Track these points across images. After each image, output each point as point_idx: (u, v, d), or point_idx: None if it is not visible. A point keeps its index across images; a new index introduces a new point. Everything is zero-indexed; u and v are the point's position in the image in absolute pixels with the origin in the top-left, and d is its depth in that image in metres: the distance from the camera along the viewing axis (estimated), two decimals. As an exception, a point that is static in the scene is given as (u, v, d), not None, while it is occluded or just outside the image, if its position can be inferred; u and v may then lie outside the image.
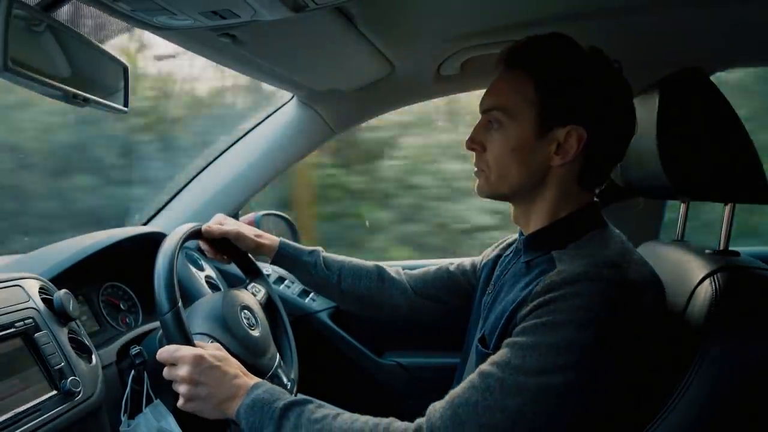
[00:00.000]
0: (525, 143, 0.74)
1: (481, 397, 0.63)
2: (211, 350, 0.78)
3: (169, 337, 0.78)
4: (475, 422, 0.62)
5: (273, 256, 1.05)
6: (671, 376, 0.68)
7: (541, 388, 0.61)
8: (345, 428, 0.67)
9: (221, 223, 1.02)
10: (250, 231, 1.04)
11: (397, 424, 0.67)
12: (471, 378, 0.66)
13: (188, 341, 0.78)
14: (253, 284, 1.07)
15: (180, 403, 0.76)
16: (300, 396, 0.74)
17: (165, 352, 0.77)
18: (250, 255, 1.09)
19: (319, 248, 1.08)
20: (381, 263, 1.10)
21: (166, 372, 0.77)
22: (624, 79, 0.74)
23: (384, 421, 0.68)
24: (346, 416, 0.69)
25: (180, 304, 0.79)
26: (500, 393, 0.62)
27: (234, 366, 0.77)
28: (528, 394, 0.61)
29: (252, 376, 0.77)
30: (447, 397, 0.66)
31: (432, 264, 1.12)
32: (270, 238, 1.06)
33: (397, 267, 1.11)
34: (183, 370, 0.74)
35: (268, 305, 1.07)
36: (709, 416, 0.66)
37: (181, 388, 0.75)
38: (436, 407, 0.66)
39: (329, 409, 0.71)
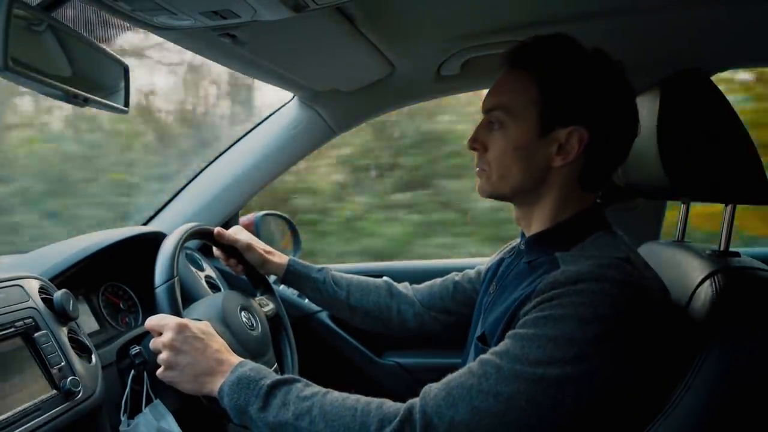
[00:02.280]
0: (526, 143, 0.74)
1: (477, 382, 0.63)
2: (199, 324, 0.78)
3: (161, 310, 0.81)
4: (467, 404, 0.62)
5: (282, 275, 1.06)
6: (672, 377, 0.68)
7: (537, 378, 0.61)
8: (336, 405, 0.66)
9: (236, 233, 1.04)
10: (261, 246, 1.06)
11: (390, 403, 0.66)
12: (470, 365, 0.66)
13: (178, 314, 0.80)
14: (261, 297, 1.08)
15: (159, 371, 0.76)
16: (288, 375, 0.73)
17: (152, 319, 0.78)
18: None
19: (328, 266, 1.10)
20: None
21: (152, 343, 0.77)
22: (627, 81, 0.74)
23: (376, 400, 0.67)
24: (336, 394, 0.69)
25: (176, 279, 0.82)
26: (496, 379, 0.62)
27: (218, 342, 0.77)
28: (523, 383, 0.61)
29: (235, 355, 0.77)
30: (443, 380, 0.66)
31: (436, 265, 1.13)
32: (280, 256, 1.07)
33: (404, 282, 1.12)
34: (165, 336, 0.75)
35: (274, 320, 1.07)
36: (710, 417, 0.66)
37: (162, 355, 0.75)
38: (431, 388, 0.66)
39: (318, 388, 0.70)
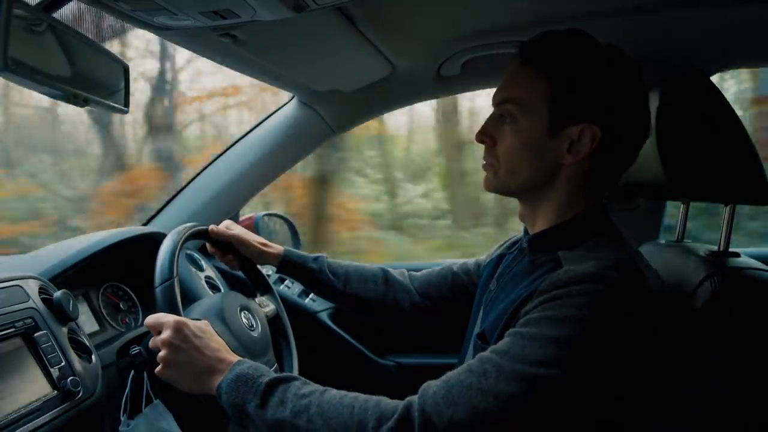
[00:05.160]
0: (537, 139, 0.73)
1: (477, 381, 0.62)
2: (198, 323, 0.78)
3: (160, 309, 0.81)
4: (467, 404, 0.61)
5: (278, 264, 1.06)
6: (672, 377, 0.68)
7: (538, 378, 0.61)
8: (333, 403, 0.66)
9: (228, 227, 1.03)
10: (256, 239, 1.05)
11: (388, 400, 0.66)
12: (470, 362, 0.66)
13: (177, 313, 0.80)
14: (261, 298, 1.08)
15: (158, 369, 0.76)
16: (286, 373, 0.73)
17: (151, 318, 0.78)
18: (259, 268, 1.10)
19: (323, 254, 1.09)
20: (385, 265, 1.11)
21: (151, 341, 0.77)
22: (641, 79, 0.73)
23: (374, 397, 0.67)
24: (334, 392, 0.68)
25: (175, 278, 0.82)
26: (496, 378, 0.62)
27: (217, 341, 0.77)
28: (524, 383, 0.61)
29: (234, 354, 0.77)
30: (442, 378, 0.66)
31: (435, 265, 1.12)
32: (275, 247, 1.07)
33: (401, 269, 1.11)
34: (164, 334, 0.75)
35: (274, 320, 1.07)
36: (710, 416, 0.66)
37: (161, 353, 0.75)
38: (430, 385, 0.66)
39: (316, 386, 0.70)
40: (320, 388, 0.70)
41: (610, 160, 0.74)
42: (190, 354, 0.73)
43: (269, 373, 0.71)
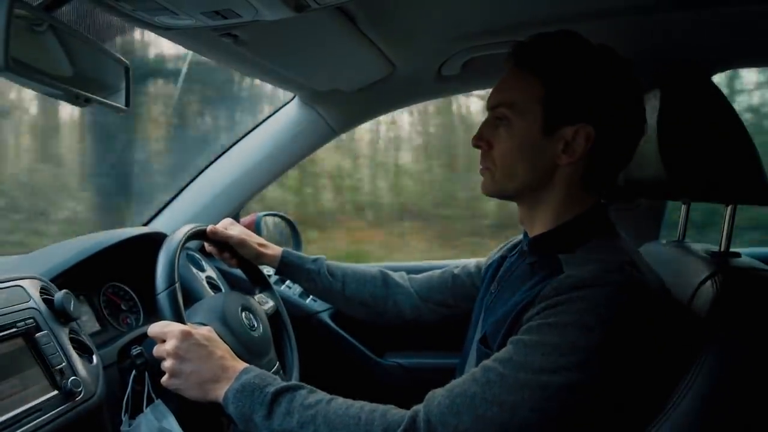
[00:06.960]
0: (532, 141, 0.73)
1: (480, 390, 0.63)
2: (202, 331, 0.78)
3: (163, 316, 0.80)
4: (471, 413, 0.62)
5: (277, 266, 1.06)
6: (673, 378, 0.68)
7: (541, 386, 0.61)
8: (340, 413, 0.66)
9: (227, 227, 1.03)
10: (254, 239, 1.05)
11: (394, 411, 0.66)
12: (473, 371, 0.66)
13: (180, 320, 0.80)
14: (260, 295, 1.08)
15: (163, 379, 0.76)
16: (292, 382, 0.73)
17: (155, 326, 0.78)
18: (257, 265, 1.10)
19: (323, 256, 1.09)
20: (385, 264, 1.11)
21: (155, 350, 0.77)
22: (635, 78, 0.73)
23: (380, 407, 0.67)
24: (341, 401, 0.69)
25: (177, 285, 0.81)
26: (499, 387, 0.62)
27: (222, 349, 0.77)
28: (527, 391, 0.61)
29: (240, 360, 0.76)
30: (447, 386, 0.66)
31: (436, 266, 1.12)
32: (273, 248, 1.07)
33: (401, 272, 1.11)
34: (169, 344, 0.75)
35: (274, 317, 1.07)
36: (711, 417, 0.66)
37: (166, 363, 0.75)
38: (435, 394, 0.66)
39: (322, 395, 0.70)
40: (326, 397, 0.70)
41: (606, 160, 0.74)
42: (195, 363, 0.73)
43: (275, 381, 0.71)
